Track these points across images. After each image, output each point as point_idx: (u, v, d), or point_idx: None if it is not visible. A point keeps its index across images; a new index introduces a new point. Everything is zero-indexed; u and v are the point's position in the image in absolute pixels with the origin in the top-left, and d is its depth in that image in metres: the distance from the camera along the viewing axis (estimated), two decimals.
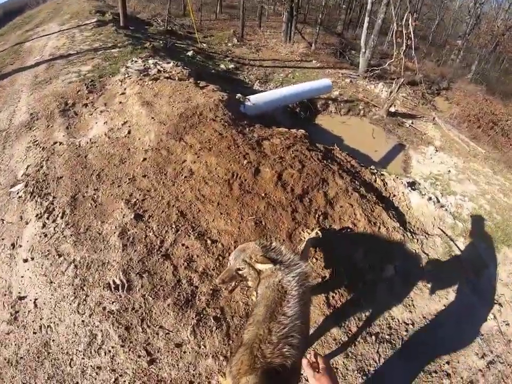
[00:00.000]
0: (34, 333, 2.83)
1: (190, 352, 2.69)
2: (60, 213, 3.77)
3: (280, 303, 1.81)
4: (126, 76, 6.37)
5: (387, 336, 3.09)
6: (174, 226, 3.43)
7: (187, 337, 2.75)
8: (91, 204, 3.80)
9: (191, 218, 3.51)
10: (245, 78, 10.37)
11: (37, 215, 3.80)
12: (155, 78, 6.13)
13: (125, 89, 5.94)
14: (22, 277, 3.24)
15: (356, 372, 2.81)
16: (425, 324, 3.27)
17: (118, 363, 2.63)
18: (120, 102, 5.57)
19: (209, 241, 3.31)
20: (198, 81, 6.30)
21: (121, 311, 2.87)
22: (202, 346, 2.72)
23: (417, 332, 3.19)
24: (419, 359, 3.04)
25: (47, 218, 3.76)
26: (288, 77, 11.37)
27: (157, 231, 3.39)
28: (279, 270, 1.97)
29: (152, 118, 4.88)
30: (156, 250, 3.23)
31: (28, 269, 3.29)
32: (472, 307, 3.60)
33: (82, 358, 2.66)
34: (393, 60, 9.07)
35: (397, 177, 5.10)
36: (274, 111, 7.45)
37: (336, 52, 15.57)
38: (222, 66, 10.54)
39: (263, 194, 3.78)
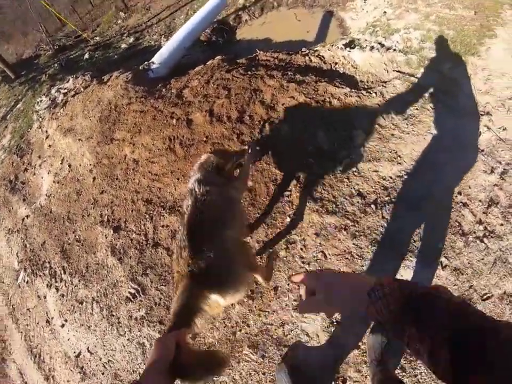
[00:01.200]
0: (103, 373, 3.02)
1: None
2: (61, 271, 3.84)
3: None
4: (40, 119, 6.11)
5: (386, 198, 2.81)
6: (147, 216, 3.41)
7: None
8: (78, 246, 3.83)
9: (157, 200, 3.47)
10: (149, 42, 9.65)
11: (47, 285, 3.88)
12: (64, 102, 5.84)
13: (46, 131, 5.72)
14: (69, 339, 3.39)
15: (370, 245, 2.64)
16: (419, 168, 2.93)
17: None
18: (49, 146, 5.39)
19: (181, 209, 3.27)
20: (102, 77, 5.94)
21: (149, 311, 2.98)
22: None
23: (415, 181, 2.88)
24: (428, 206, 2.73)
25: (56, 282, 3.85)
26: (189, 14, 10.48)
27: (136, 230, 3.40)
28: None
29: (79, 139, 4.71)
30: (145, 245, 3.26)
31: (69, 331, 3.43)
32: (460, 129, 3.17)
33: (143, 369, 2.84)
34: None
35: (332, 45, 4.69)
36: (190, 55, 6.99)
37: None
38: (123, 45, 9.83)
39: (204, 139, 3.64)
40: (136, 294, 3.07)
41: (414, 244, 2.60)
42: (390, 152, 3.06)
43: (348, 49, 4.44)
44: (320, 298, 0.89)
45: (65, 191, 4.47)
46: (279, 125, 3.56)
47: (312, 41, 7.07)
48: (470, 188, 2.75)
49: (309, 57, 4.50)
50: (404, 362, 2.20)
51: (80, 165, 4.52)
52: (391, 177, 2.92)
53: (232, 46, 8.24)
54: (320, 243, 2.74)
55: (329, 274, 0.96)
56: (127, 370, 2.90)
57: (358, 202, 2.85)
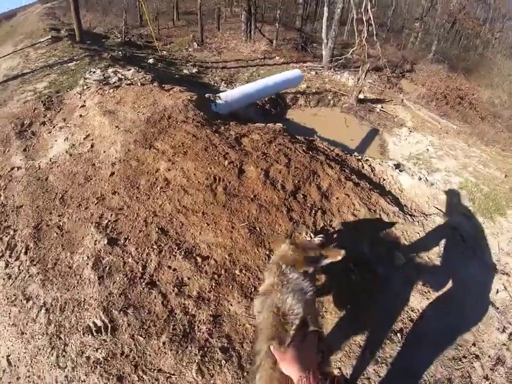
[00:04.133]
0: None
1: None
2: (22, 248, 3.07)
3: None
4: (85, 87, 5.60)
5: (411, 331, 2.72)
6: (155, 246, 2.79)
7: (193, 378, 2.16)
8: (57, 233, 3.11)
9: (174, 235, 2.89)
10: (209, 81, 9.68)
11: None
12: (116, 86, 5.41)
13: (84, 101, 5.19)
14: None
15: (389, 376, 2.43)
16: (444, 307, 2.91)
17: None
18: (81, 115, 4.82)
19: (199, 259, 2.70)
20: (163, 85, 5.62)
21: (109, 358, 2.24)
22: None
23: (438, 318, 2.85)
24: (446, 346, 2.72)
25: (10, 256, 3.06)
26: (253, 75, 10.79)
27: (136, 255, 2.75)
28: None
29: (117, 127, 4.18)
30: (138, 278, 2.59)
31: None
32: (483, 281, 3.35)
33: None
34: (355, 47, 8.81)
35: (382, 161, 4.71)
36: (245, 110, 6.90)
37: (298, 46, 15.13)
38: (185, 71, 9.82)
39: (252, 196, 3.21)
40: (102, 329, 2.35)
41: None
42: (423, 285, 3.02)
43: (397, 170, 4.42)
44: None
45: (74, 169, 3.82)
46: (329, 217, 3.20)
47: (353, 149, 7.14)
48: (483, 341, 2.79)
49: (362, 163, 4.41)
50: None
51: (104, 152, 3.94)
52: (418, 310, 2.86)
53: (280, 121, 8.30)
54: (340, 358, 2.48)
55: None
56: None
57: (385, 325, 2.73)
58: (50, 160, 4.08)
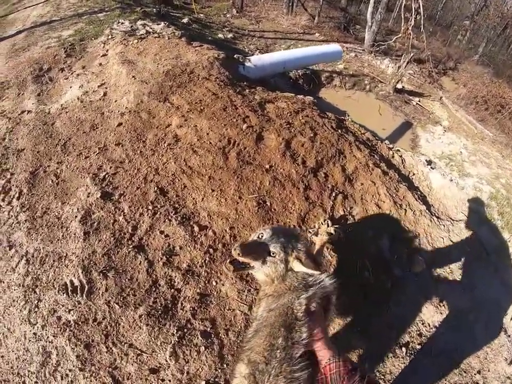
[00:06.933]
0: None
1: (170, 381, 1.82)
2: (16, 193, 2.86)
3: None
4: (110, 37, 5.30)
5: (418, 346, 2.40)
6: (151, 207, 2.47)
7: (166, 360, 1.87)
8: (52, 181, 2.86)
9: (174, 197, 2.55)
10: (244, 48, 9.19)
11: None
12: (142, 38, 5.06)
13: (107, 50, 4.89)
14: None
15: None
16: (455, 325, 2.59)
17: None
18: (100, 64, 4.54)
19: (196, 228, 2.36)
20: (191, 41, 5.23)
21: (80, 322, 1.99)
22: (185, 373, 1.85)
23: (447, 336, 2.51)
24: (451, 369, 2.43)
25: (3, 200, 2.86)
26: (291, 48, 10.18)
27: (128, 214, 2.45)
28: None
29: (133, 77, 3.85)
30: (126, 240, 2.30)
31: None
32: (500, 303, 2.93)
33: (36, 382, 1.83)
34: (400, 34, 8.24)
35: (414, 154, 4.22)
36: (276, 80, 6.43)
37: (340, 26, 14.18)
38: (220, 35, 9.34)
39: (267, 167, 2.81)
40: (78, 289, 2.08)
41: None
42: (438, 297, 2.65)
43: (429, 167, 3.93)
44: None
45: (82, 116, 3.55)
46: (351, 203, 2.79)
47: (383, 139, 6.72)
48: (489, 370, 2.48)
49: (392, 153, 3.92)
50: None
51: (115, 101, 3.64)
52: (429, 324, 2.52)
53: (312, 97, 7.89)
54: None
55: None
56: (11, 366, 1.90)
57: (391, 336, 2.40)
58: (61, 106, 3.84)
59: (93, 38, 5.57)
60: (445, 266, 2.88)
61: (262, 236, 1.43)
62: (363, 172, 3.11)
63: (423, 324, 2.52)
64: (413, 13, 7.71)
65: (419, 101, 8.90)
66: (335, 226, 2.49)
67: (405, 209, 3.02)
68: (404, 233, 2.90)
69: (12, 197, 2.85)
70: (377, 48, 10.46)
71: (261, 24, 12.57)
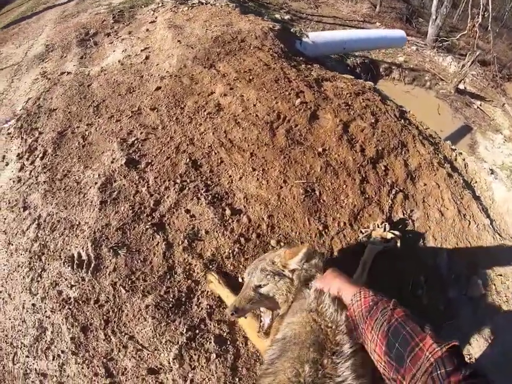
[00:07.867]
0: None
1: None
2: (41, 152, 2.67)
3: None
4: (160, 5, 5.08)
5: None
6: (179, 181, 2.11)
7: (168, 362, 1.54)
8: (79, 143, 2.61)
9: (207, 172, 2.18)
10: (300, 31, 8.78)
11: (18, 154, 2.74)
12: (192, 6, 4.76)
13: (156, 17, 4.66)
14: None
15: None
16: (502, 363, 1.97)
17: (68, 376, 1.58)
18: (147, 30, 4.29)
19: (228, 211, 1.97)
20: (246, 13, 4.85)
21: (80, 301, 1.72)
22: (189, 381, 1.50)
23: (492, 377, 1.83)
24: None
25: (27, 159, 2.70)
26: None
27: (153, 186, 2.11)
28: None
29: (179, 41, 3.54)
30: (145, 215, 1.96)
31: None
32: None
33: (27, 356, 1.68)
34: (466, 31, 7.85)
35: (477, 160, 3.58)
36: (333, 65, 5.94)
37: (402, 17, 13.38)
38: (277, 15, 8.94)
39: (320, 150, 2.36)
40: (84, 264, 1.80)
41: None
42: (490, 326, 2.11)
43: (493, 176, 3.29)
44: None
45: (120, 78, 3.30)
46: (411, 206, 2.28)
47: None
48: None
49: (455, 155, 3.34)
50: None
51: (157, 64, 3.35)
52: (475, 360, 1.97)
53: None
54: None
55: None
56: (6, 335, 1.75)
57: None
58: (101, 69, 3.64)
59: (143, 6, 5.39)
60: (502, 293, 2.31)
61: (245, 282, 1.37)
62: (427, 171, 2.59)
63: (469, 358, 1.99)
64: (481, 9, 7.27)
65: (480, 105, 8.33)
66: (393, 232, 2.02)
67: (469, 221, 2.46)
68: (465, 249, 2.38)
69: (36, 156, 2.68)
70: (440, 44, 10.07)
71: (319, 9, 12.10)
